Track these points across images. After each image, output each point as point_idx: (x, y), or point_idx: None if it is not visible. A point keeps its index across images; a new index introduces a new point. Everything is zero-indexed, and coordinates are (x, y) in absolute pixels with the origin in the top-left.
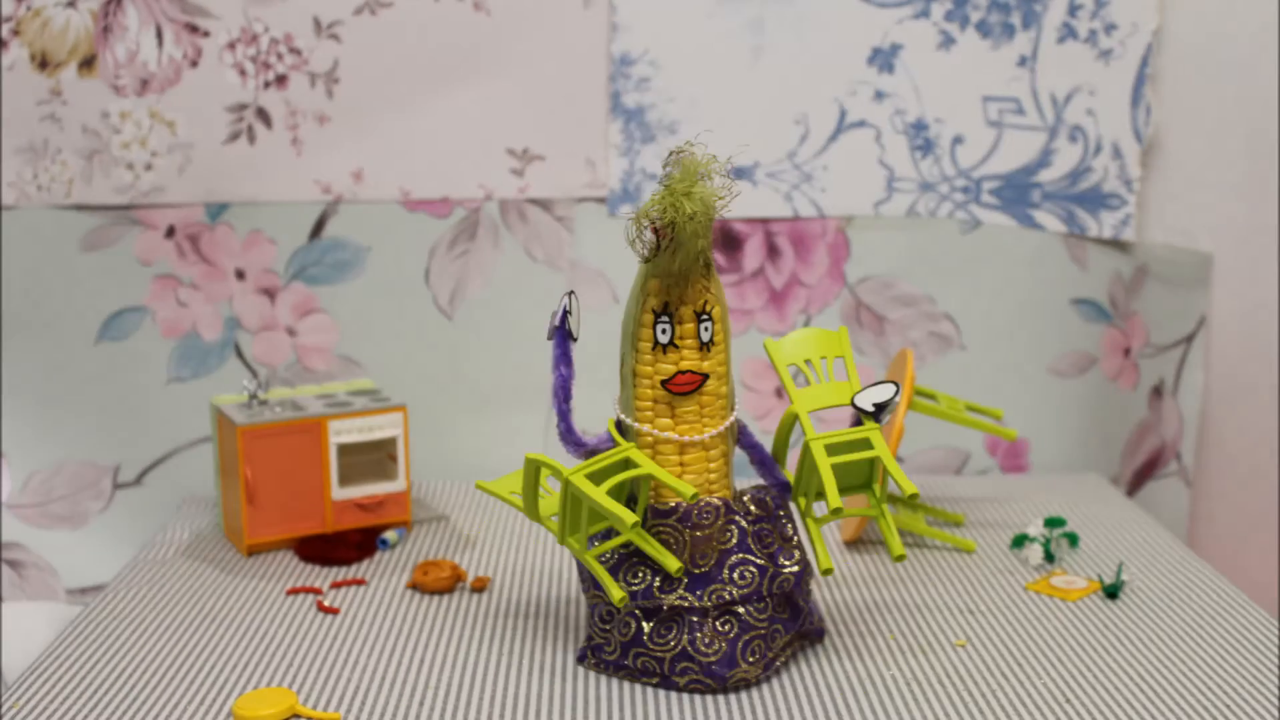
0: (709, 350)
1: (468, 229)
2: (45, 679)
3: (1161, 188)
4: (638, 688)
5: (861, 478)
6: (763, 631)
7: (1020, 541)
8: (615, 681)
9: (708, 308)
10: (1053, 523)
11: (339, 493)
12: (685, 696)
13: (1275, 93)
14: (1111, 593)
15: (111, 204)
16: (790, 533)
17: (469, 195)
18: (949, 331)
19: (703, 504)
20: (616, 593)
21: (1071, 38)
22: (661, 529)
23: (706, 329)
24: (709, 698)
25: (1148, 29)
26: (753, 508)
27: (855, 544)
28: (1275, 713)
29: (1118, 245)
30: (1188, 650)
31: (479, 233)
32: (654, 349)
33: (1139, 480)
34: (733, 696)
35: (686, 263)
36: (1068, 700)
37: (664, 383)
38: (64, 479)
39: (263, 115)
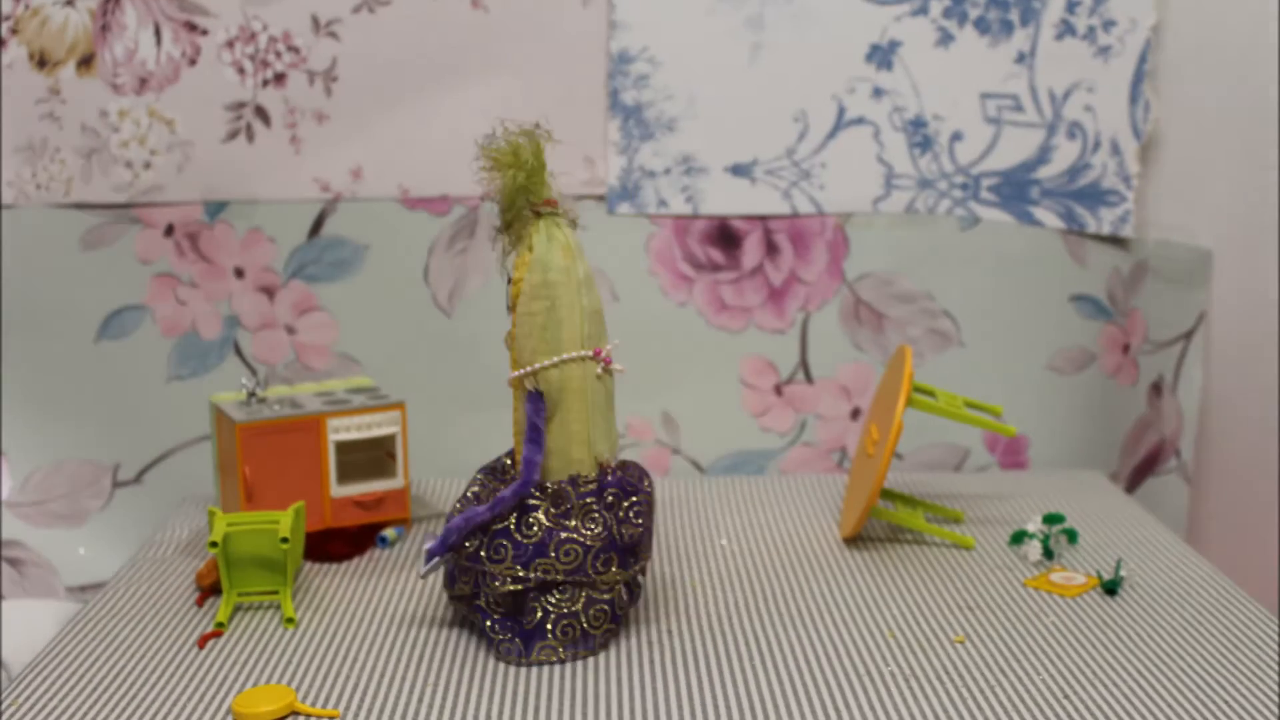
0: None
1: (466, 227)
2: (46, 676)
3: (1160, 184)
4: (635, 682)
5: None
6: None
7: (1019, 538)
8: (613, 678)
9: None
10: (1052, 519)
11: (338, 490)
12: (682, 688)
13: (1274, 88)
14: (1110, 589)
15: (110, 202)
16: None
17: (468, 193)
18: (948, 328)
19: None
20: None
21: (1070, 34)
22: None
23: None
24: (707, 688)
25: (1146, 25)
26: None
27: (853, 540)
28: (1275, 709)
29: (1116, 241)
30: (1186, 647)
31: (478, 230)
32: None
33: (1138, 477)
34: (729, 691)
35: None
36: (1066, 697)
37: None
38: (64, 477)
39: (261, 113)
